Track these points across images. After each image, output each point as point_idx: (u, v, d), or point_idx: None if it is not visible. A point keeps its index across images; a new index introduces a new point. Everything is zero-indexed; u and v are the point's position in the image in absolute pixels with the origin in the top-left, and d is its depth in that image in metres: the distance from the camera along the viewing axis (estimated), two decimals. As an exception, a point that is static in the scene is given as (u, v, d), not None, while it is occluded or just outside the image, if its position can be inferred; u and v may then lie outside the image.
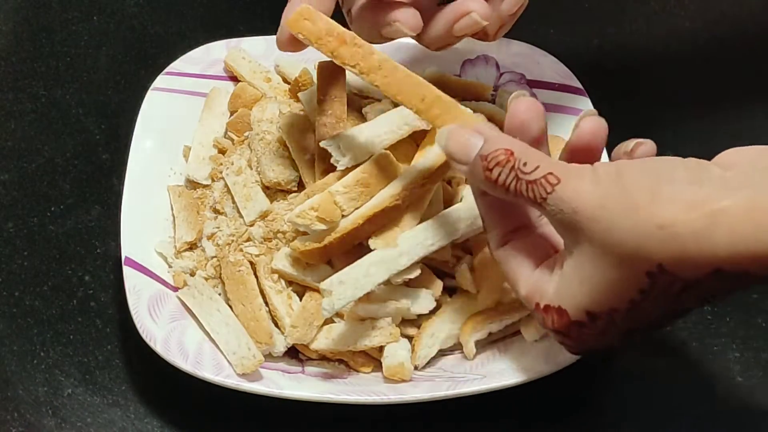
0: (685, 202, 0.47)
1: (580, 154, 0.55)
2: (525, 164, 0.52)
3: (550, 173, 0.51)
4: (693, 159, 0.50)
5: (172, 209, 0.68)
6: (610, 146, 0.70)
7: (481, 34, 0.65)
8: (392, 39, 0.63)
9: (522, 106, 0.55)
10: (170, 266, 0.66)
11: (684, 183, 0.48)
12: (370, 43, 0.60)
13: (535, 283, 0.54)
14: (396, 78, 0.58)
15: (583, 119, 0.55)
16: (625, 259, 0.48)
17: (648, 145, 0.55)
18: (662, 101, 0.81)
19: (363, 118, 0.68)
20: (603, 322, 0.51)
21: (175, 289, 0.65)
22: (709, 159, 0.51)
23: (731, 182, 0.47)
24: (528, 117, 0.55)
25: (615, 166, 0.50)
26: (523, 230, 0.57)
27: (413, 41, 0.75)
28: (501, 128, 0.70)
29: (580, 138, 0.54)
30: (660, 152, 0.78)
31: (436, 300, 0.63)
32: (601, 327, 0.51)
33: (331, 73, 0.67)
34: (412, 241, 0.61)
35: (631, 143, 0.55)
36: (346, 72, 0.72)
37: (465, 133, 0.55)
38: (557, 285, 0.52)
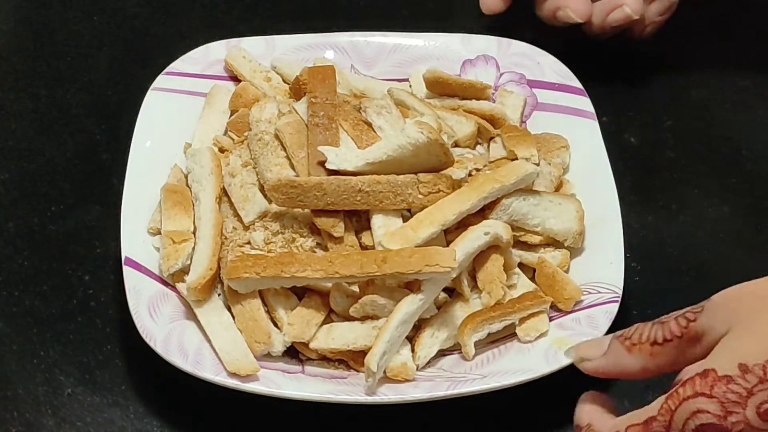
0: None
1: None
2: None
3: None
4: None
5: (172, 209, 0.68)
6: (610, 147, 0.71)
7: (632, 32, 0.76)
8: (565, 23, 0.75)
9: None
10: (170, 266, 0.66)
11: None
12: (545, 21, 0.75)
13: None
14: (342, 261, 0.60)
15: None
16: None
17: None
18: (663, 101, 0.81)
19: (361, 117, 0.68)
20: (754, 377, 0.43)
21: (175, 289, 0.65)
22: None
23: None
24: None
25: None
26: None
27: (413, 42, 0.77)
28: (495, 125, 0.71)
29: None
30: (661, 152, 0.79)
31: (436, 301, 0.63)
32: (752, 384, 0.43)
33: (321, 76, 0.68)
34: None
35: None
36: (342, 72, 0.73)
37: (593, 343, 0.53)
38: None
